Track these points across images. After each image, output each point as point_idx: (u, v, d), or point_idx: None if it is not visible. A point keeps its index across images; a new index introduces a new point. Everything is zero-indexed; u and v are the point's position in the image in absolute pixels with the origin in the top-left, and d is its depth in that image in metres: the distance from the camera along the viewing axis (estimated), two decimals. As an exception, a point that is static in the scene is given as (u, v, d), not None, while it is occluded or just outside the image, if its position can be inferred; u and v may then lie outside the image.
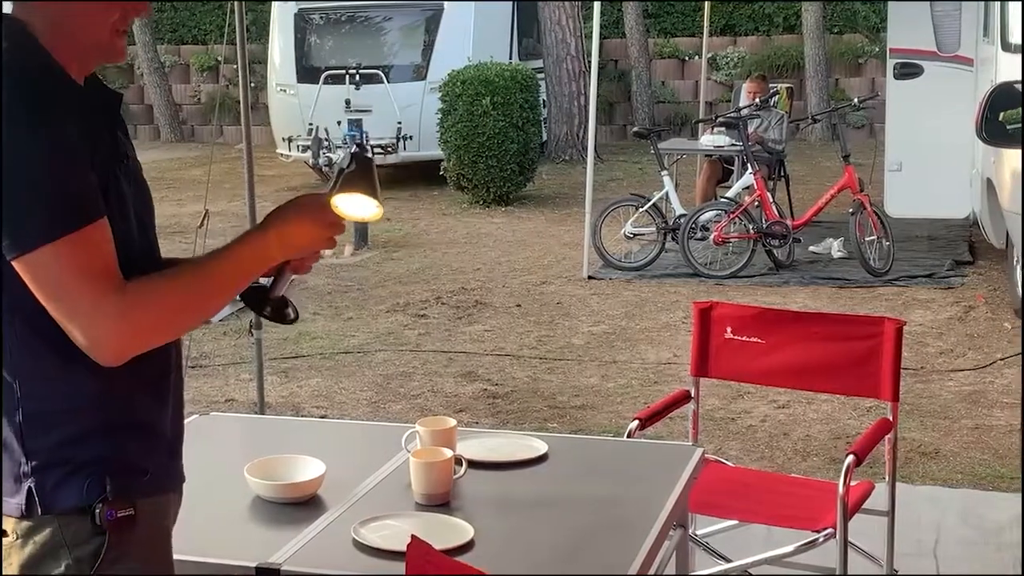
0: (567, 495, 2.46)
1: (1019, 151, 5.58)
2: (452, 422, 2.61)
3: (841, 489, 2.88)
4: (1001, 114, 3.88)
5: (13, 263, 1.63)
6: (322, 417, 5.33)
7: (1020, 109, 3.87)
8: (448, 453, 2.43)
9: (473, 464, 2.53)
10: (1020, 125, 3.95)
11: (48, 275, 1.63)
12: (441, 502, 2.38)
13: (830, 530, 2.94)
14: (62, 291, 1.64)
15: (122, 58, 1.83)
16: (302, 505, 2.39)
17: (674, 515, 2.43)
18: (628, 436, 3.14)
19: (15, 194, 1.60)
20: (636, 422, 3.18)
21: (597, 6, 8.27)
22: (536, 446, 2.68)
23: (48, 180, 1.61)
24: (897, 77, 8.80)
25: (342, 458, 2.59)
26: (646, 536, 2.24)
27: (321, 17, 13.34)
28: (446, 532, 2.22)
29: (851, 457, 2.92)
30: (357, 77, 12.49)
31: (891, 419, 3.18)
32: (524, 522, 2.34)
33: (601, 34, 17.21)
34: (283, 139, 12.95)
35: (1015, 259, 6.66)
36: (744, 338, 3.37)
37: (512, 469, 2.57)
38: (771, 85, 9.81)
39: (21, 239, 1.62)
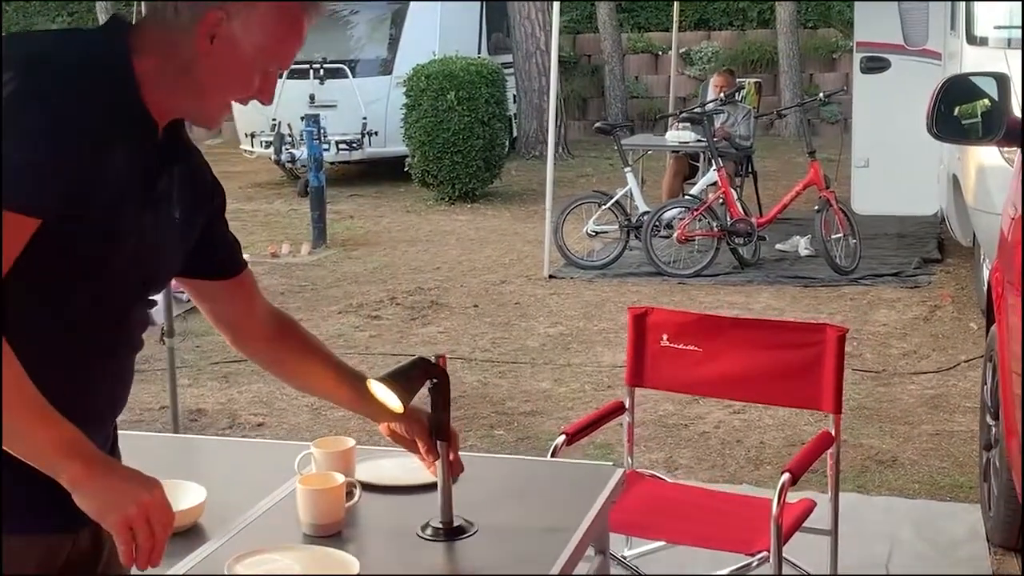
0: (471, 523, 2.27)
1: (983, 148, 5.42)
2: (350, 442, 2.41)
3: (775, 510, 2.69)
4: (956, 108, 3.69)
5: None
6: (259, 425, 5.14)
7: (975, 104, 3.69)
8: (340, 479, 2.23)
9: (372, 488, 2.34)
10: (977, 120, 3.77)
11: None
12: (331, 533, 2.18)
13: (764, 553, 2.76)
14: None
15: (216, 127, 1.82)
16: (179, 537, 2.17)
17: (587, 541, 2.24)
18: (554, 452, 2.95)
19: None
20: (563, 437, 2.99)
21: (556, 3, 8.10)
22: (445, 467, 2.48)
23: (11, 149, 1.47)
24: (864, 71, 8.64)
25: (229, 482, 2.40)
26: (552, 566, 2.06)
27: (286, 11, 13.09)
28: (330, 567, 2.02)
29: (786, 475, 2.74)
30: (322, 72, 12.27)
31: (833, 432, 3.00)
32: (418, 555, 2.14)
33: (574, 29, 17.09)
34: (246, 135, 12.72)
35: (981, 257, 6.50)
36: (681, 346, 3.18)
37: (415, 494, 2.37)
38: (739, 80, 9.65)
39: None
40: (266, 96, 1.70)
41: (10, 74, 1.51)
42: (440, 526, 2.15)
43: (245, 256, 2.08)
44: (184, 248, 1.83)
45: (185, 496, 2.26)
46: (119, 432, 1.91)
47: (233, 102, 1.72)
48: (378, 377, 2.10)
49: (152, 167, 1.67)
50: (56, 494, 1.62)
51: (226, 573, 1.99)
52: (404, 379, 2.09)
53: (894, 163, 8.56)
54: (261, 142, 12.31)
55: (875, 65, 8.55)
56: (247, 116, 12.85)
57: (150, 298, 1.84)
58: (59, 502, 1.63)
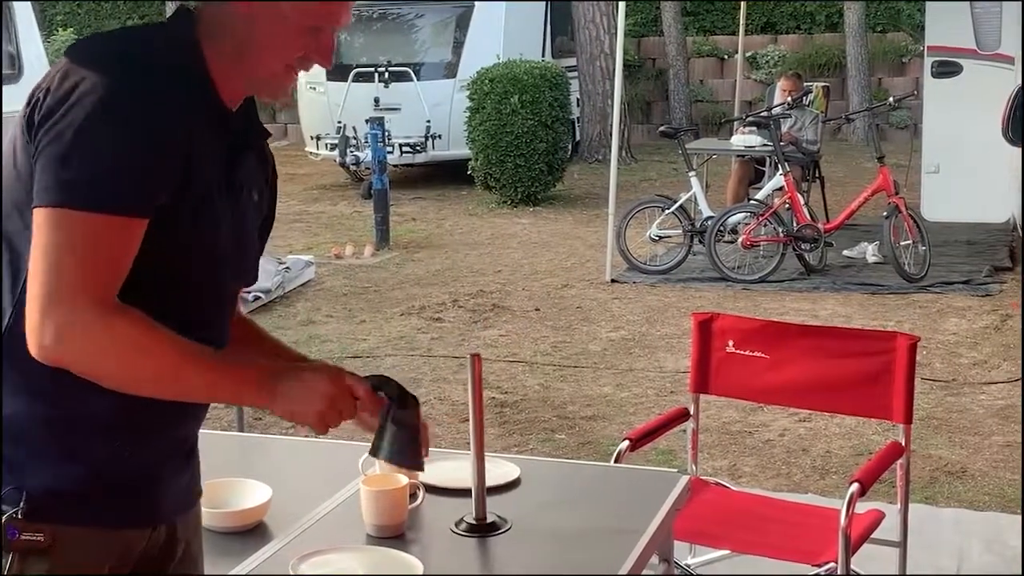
0: (535, 526, 2.25)
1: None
2: (414, 444, 2.41)
3: (843, 521, 2.65)
4: (1032, 114, 3.62)
5: (34, 211, 1.52)
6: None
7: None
8: (403, 480, 2.23)
9: (436, 490, 2.33)
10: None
11: (52, 239, 1.50)
12: (394, 534, 2.18)
13: (832, 564, 2.71)
14: (53, 262, 1.50)
15: (286, 97, 1.87)
16: (244, 535, 2.20)
17: (652, 547, 2.22)
18: (617, 458, 2.93)
19: (78, 152, 1.51)
20: (626, 443, 2.96)
21: (622, 6, 8.05)
22: (508, 471, 2.47)
23: (109, 153, 1.52)
24: (935, 76, 8.49)
25: (294, 481, 2.40)
26: (617, 572, 2.04)
27: (352, 14, 13.15)
28: (393, 568, 2.02)
29: (855, 486, 2.69)
30: (386, 75, 12.32)
31: (903, 443, 2.95)
32: (482, 558, 2.14)
33: (639, 32, 17.00)
34: (311, 137, 12.83)
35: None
36: (747, 352, 3.14)
37: (478, 496, 2.36)
38: (806, 84, 9.54)
39: (52, 192, 1.51)
40: (324, 58, 1.71)
41: (100, 75, 1.54)
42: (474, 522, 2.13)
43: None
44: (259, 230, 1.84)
45: (250, 495, 2.27)
46: None
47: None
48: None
49: (229, 154, 1.69)
50: (134, 492, 1.66)
51: (290, 573, 2.00)
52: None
53: (965, 169, 8.40)
54: (326, 144, 12.40)
55: (947, 69, 8.40)
56: (313, 118, 12.98)
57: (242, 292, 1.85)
58: (137, 500, 1.67)
